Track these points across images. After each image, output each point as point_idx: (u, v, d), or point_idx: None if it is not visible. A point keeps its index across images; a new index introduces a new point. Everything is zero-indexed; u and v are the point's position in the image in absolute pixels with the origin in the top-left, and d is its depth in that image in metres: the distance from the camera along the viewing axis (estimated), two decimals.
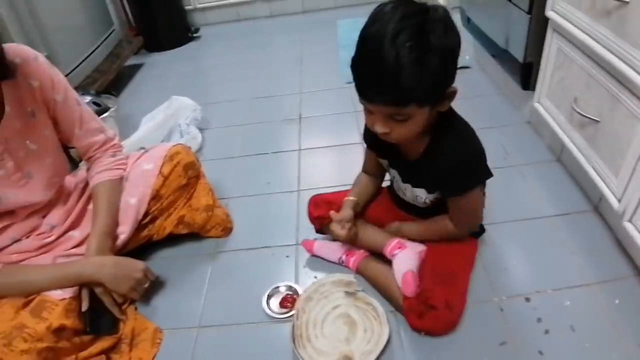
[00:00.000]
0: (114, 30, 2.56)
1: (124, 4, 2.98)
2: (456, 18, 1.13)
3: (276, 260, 1.28)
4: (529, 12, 1.41)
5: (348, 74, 0.83)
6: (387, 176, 1.19)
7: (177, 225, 1.27)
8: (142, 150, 1.30)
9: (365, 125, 0.96)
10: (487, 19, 1.78)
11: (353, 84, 0.83)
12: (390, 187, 1.20)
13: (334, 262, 1.22)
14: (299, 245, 1.30)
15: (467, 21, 1.98)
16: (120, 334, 1.05)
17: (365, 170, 1.22)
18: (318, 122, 1.93)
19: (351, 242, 1.16)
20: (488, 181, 1.02)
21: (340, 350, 0.99)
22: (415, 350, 1.00)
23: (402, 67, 0.74)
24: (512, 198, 1.36)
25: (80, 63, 2.11)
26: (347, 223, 1.10)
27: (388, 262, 1.09)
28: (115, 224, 1.13)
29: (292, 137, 1.84)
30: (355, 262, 1.17)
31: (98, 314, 1.03)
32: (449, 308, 0.97)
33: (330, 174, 1.58)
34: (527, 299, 1.07)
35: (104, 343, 1.01)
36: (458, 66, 0.83)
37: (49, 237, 1.09)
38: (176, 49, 3.00)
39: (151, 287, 1.16)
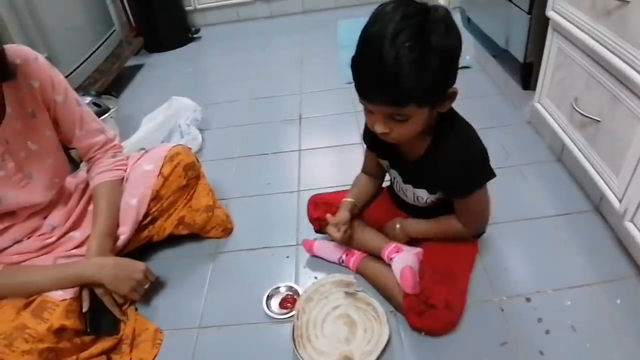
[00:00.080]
0: (114, 30, 2.56)
1: (125, 4, 2.99)
2: (456, 18, 1.13)
3: (276, 261, 1.28)
4: (529, 12, 1.41)
5: (348, 75, 0.83)
6: (387, 176, 1.19)
7: (178, 225, 1.27)
8: (143, 151, 1.30)
9: (366, 125, 0.96)
10: (488, 19, 1.78)
11: (353, 84, 0.83)
12: (390, 188, 1.20)
13: (334, 262, 1.22)
14: (299, 245, 1.30)
15: (468, 21, 1.98)
16: (120, 335, 1.05)
17: (365, 170, 1.22)
18: (318, 123, 1.93)
19: (346, 244, 1.17)
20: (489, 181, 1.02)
21: (340, 351, 0.99)
22: (415, 350, 1.00)
23: (402, 66, 0.74)
24: (513, 198, 1.36)
25: (81, 64, 2.11)
26: (343, 226, 1.10)
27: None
28: (116, 224, 1.13)
29: (292, 138, 1.84)
30: (355, 262, 1.17)
31: (99, 314, 1.03)
32: (449, 308, 0.97)
33: (330, 175, 1.58)
34: (528, 299, 1.07)
35: (104, 344, 1.01)
36: (458, 66, 0.83)
37: (50, 238, 1.09)
38: (176, 50, 3.00)
39: (151, 288, 1.16)
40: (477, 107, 1.79)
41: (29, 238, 1.07)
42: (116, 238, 1.13)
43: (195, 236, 1.33)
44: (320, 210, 1.21)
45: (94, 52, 2.26)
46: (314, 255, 1.25)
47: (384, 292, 1.10)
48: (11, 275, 0.99)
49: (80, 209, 1.17)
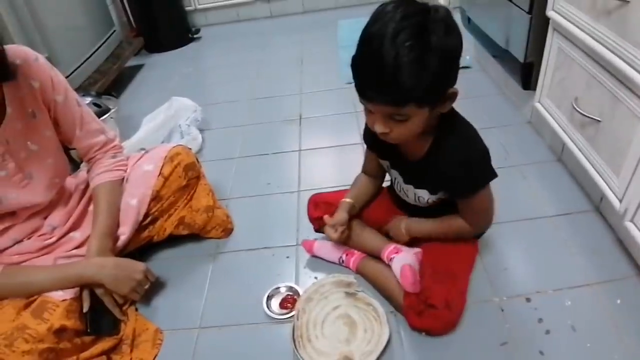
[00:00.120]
0: (114, 31, 2.56)
1: (125, 5, 2.99)
2: (457, 18, 1.13)
3: (276, 261, 1.28)
4: (530, 12, 1.41)
5: (348, 74, 0.83)
6: (387, 176, 1.19)
7: (178, 226, 1.27)
8: (143, 151, 1.30)
9: (366, 125, 0.95)
10: (488, 19, 1.78)
11: (353, 84, 0.83)
12: (391, 188, 1.20)
13: (334, 263, 1.22)
14: (299, 245, 1.30)
15: (468, 21, 1.98)
16: (121, 335, 1.05)
17: (365, 171, 1.22)
18: (318, 123, 1.93)
19: (343, 244, 1.17)
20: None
21: (340, 351, 0.99)
22: (415, 351, 1.00)
23: (402, 66, 0.74)
24: (513, 198, 1.35)
25: (81, 64, 2.11)
26: (340, 226, 1.10)
27: None
28: (116, 225, 1.13)
29: (293, 138, 1.84)
30: (355, 262, 1.17)
31: (99, 314, 1.03)
32: (449, 307, 0.97)
33: (330, 175, 1.58)
34: (528, 299, 1.07)
35: (104, 344, 1.01)
36: (459, 67, 0.83)
37: (50, 238, 1.09)
38: (176, 50, 3.01)
39: (152, 288, 1.16)
40: (477, 107, 1.79)
41: (29, 238, 1.07)
42: (116, 238, 1.13)
43: (196, 236, 1.33)
44: (320, 209, 1.21)
45: (94, 52, 2.26)
46: (314, 256, 1.25)
47: (384, 292, 1.10)
48: (11, 275, 0.99)
49: (81, 210, 1.17)
